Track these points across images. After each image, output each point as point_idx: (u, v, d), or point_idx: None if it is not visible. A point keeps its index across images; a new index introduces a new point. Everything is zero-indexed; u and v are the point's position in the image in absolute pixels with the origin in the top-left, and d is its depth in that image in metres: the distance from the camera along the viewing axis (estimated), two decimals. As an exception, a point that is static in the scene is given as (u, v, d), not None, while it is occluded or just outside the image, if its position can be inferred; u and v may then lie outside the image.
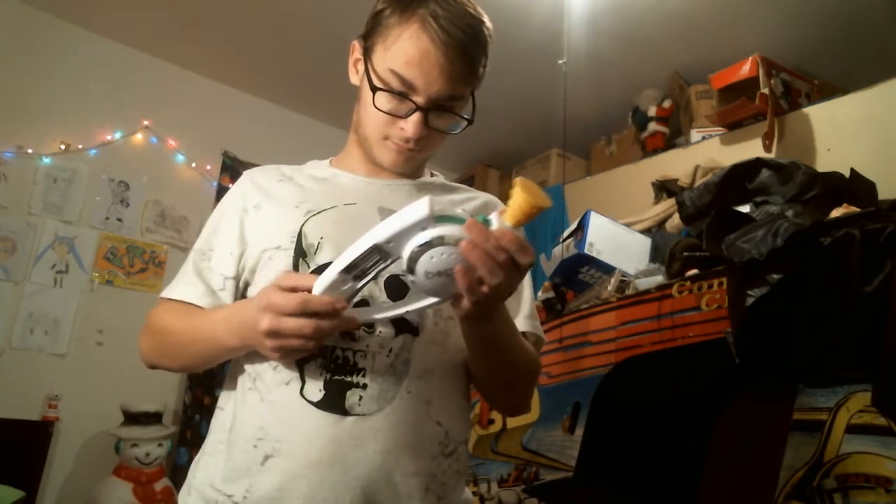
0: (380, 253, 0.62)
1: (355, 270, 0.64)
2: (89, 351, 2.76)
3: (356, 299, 0.74)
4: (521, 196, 0.60)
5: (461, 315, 0.67)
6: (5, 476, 2.10)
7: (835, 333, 1.18)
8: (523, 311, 0.88)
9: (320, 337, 0.67)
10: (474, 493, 1.97)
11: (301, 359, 0.74)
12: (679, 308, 1.52)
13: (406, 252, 0.61)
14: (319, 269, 0.76)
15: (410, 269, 0.62)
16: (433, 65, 0.75)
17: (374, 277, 0.67)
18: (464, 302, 0.63)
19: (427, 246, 0.60)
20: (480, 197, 0.95)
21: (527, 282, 0.90)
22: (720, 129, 2.50)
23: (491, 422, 2.03)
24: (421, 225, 0.60)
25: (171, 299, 0.84)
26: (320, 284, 0.66)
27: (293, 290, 0.67)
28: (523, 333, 0.86)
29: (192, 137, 3.17)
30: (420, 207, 0.59)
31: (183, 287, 0.83)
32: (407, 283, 0.77)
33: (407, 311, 0.70)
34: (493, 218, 0.62)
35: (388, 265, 0.65)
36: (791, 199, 1.42)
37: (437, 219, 0.60)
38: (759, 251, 1.21)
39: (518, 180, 0.61)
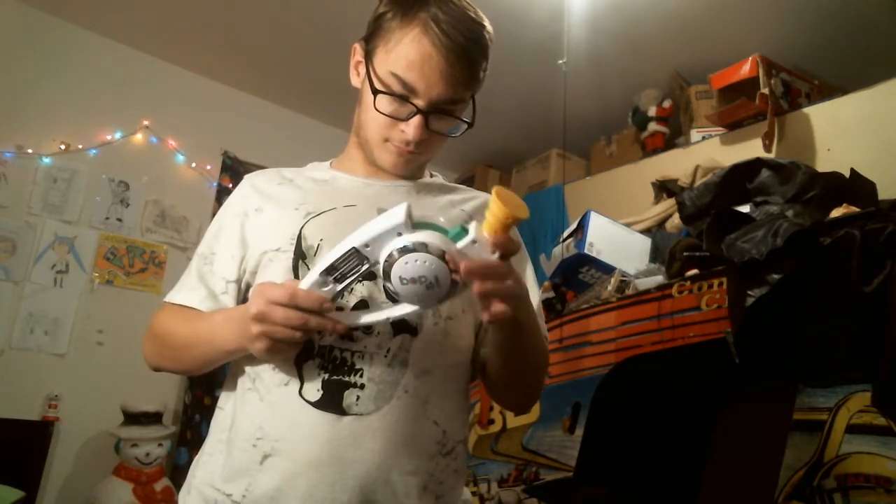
0: (358, 256, 0.63)
1: (335, 273, 0.65)
2: (89, 351, 2.75)
3: (353, 302, 0.75)
4: (498, 207, 0.60)
5: (509, 318, 0.67)
6: (5, 476, 2.09)
7: (835, 333, 1.18)
8: None
9: (305, 331, 0.68)
10: (474, 493, 1.97)
11: (299, 359, 0.74)
12: (679, 308, 1.52)
13: (382, 256, 0.61)
14: None
15: (385, 274, 0.62)
16: (434, 68, 0.76)
17: (353, 282, 0.67)
18: (496, 310, 0.64)
19: (402, 251, 0.60)
20: (479, 197, 0.95)
21: (532, 281, 0.91)
22: (720, 129, 2.50)
23: (491, 422, 2.03)
24: (397, 230, 0.60)
25: (174, 304, 0.84)
26: (303, 285, 0.67)
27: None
28: None
29: (192, 137, 3.17)
30: (397, 213, 0.60)
31: (185, 292, 0.84)
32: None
33: (388, 319, 0.70)
34: (471, 228, 0.62)
35: (366, 269, 0.65)
36: (791, 199, 1.42)
37: (415, 225, 0.61)
38: (759, 251, 1.21)
39: (495, 190, 0.61)
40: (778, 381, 1.27)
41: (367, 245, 0.62)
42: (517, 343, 0.78)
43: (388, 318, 0.70)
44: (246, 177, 0.92)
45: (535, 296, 0.91)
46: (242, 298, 0.85)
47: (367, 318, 0.71)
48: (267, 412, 0.74)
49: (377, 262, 0.63)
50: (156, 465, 2.56)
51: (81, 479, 2.60)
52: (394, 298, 0.65)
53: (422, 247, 0.60)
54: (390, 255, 0.61)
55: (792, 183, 1.44)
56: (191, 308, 0.82)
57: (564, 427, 1.73)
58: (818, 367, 1.22)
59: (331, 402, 0.73)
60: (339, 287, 0.67)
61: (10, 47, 2.70)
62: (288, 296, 0.66)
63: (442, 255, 0.60)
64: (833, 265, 1.17)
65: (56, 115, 2.80)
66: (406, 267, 0.60)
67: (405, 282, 0.61)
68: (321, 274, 0.65)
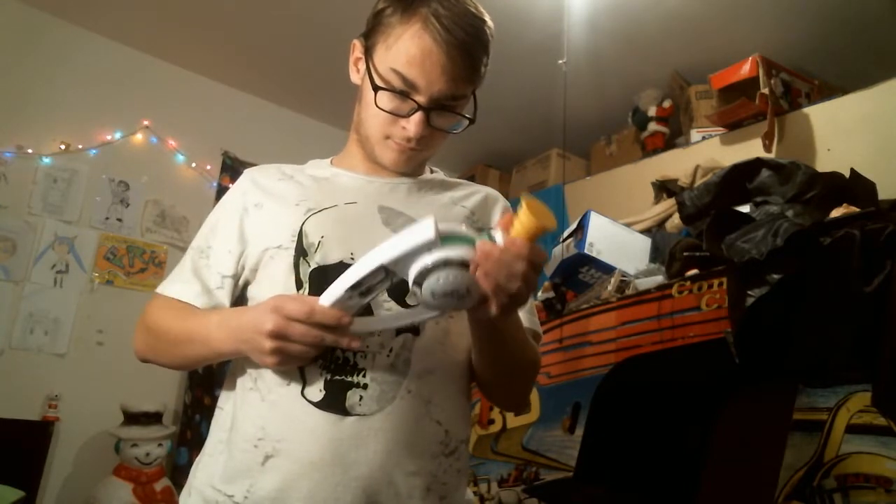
0: (386, 272, 0.63)
1: (361, 288, 0.65)
2: (89, 351, 2.75)
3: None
4: (526, 216, 0.60)
5: (485, 319, 0.67)
6: (5, 476, 2.09)
7: (835, 333, 1.18)
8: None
9: (320, 348, 0.68)
10: (474, 493, 1.96)
11: None
12: (679, 308, 1.52)
13: (412, 273, 0.61)
14: (319, 269, 0.76)
15: (417, 287, 0.62)
16: (435, 64, 0.75)
17: (377, 295, 0.68)
18: (491, 307, 0.64)
19: (434, 268, 0.60)
20: (481, 191, 0.94)
21: None
22: (720, 129, 2.50)
23: (491, 422, 2.03)
24: (427, 247, 0.60)
25: (166, 296, 0.84)
26: (327, 299, 0.66)
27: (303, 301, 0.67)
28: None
29: (192, 137, 3.17)
30: (426, 229, 0.60)
31: (179, 285, 0.84)
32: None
33: (410, 323, 0.71)
34: (497, 237, 0.62)
35: (393, 283, 0.66)
36: (791, 199, 1.42)
37: (443, 238, 0.61)
38: (759, 251, 1.21)
39: (524, 199, 0.61)
40: (778, 381, 1.27)
41: (395, 262, 0.62)
42: (498, 350, 0.77)
43: (410, 322, 0.71)
44: (245, 171, 0.91)
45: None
46: (239, 295, 0.85)
47: (384, 326, 0.72)
48: (269, 412, 0.74)
49: (405, 278, 0.63)
50: (156, 465, 2.56)
51: (81, 479, 2.60)
52: (399, 300, 0.65)
53: (453, 263, 0.60)
54: (421, 272, 0.61)
55: (792, 183, 1.44)
56: (185, 302, 0.82)
57: (564, 427, 1.73)
58: (818, 367, 1.21)
59: (333, 402, 0.72)
60: (364, 301, 0.67)
61: (10, 47, 2.70)
62: (306, 312, 0.65)
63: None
64: (833, 265, 1.17)
65: (56, 115, 2.80)
66: (439, 283, 0.61)
67: (437, 296, 0.62)
68: (347, 290, 0.65)
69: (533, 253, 0.61)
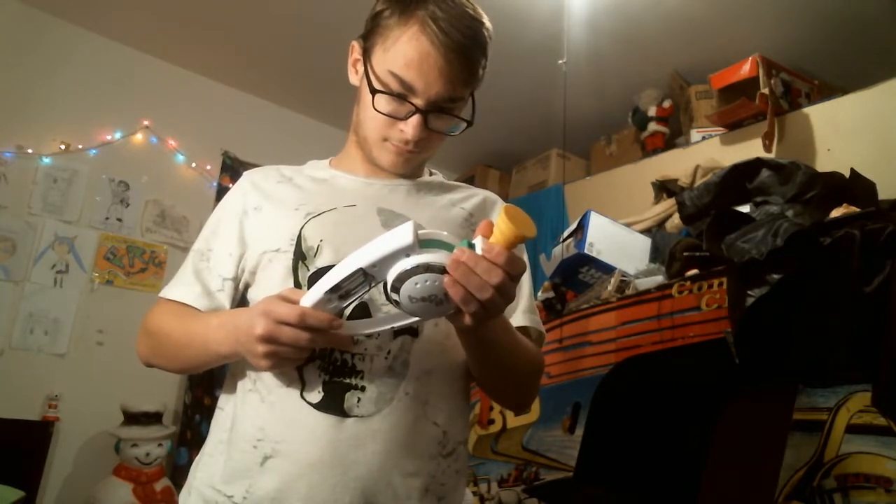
0: (365, 276, 0.63)
1: (340, 291, 0.65)
2: (89, 351, 2.76)
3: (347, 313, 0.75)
4: (505, 224, 0.60)
5: (459, 326, 0.67)
6: (5, 476, 2.09)
7: (835, 333, 1.18)
8: (521, 305, 0.88)
9: (311, 349, 0.68)
10: (474, 493, 1.97)
11: None
12: (679, 308, 1.52)
13: (390, 277, 0.61)
14: (319, 272, 0.76)
15: (395, 292, 0.62)
16: (432, 67, 0.75)
17: (358, 299, 0.67)
18: (464, 317, 0.63)
19: (411, 272, 0.60)
20: (479, 194, 0.94)
21: (525, 276, 0.89)
22: (720, 129, 2.50)
23: (491, 422, 2.03)
24: (405, 251, 0.60)
25: (168, 300, 0.84)
26: (307, 301, 0.66)
27: (293, 302, 0.67)
28: (524, 328, 0.86)
29: (192, 137, 3.17)
30: (404, 234, 0.60)
31: (180, 288, 0.84)
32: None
33: (392, 327, 0.71)
34: (478, 243, 0.62)
35: (372, 287, 0.65)
36: (791, 199, 1.42)
37: (422, 243, 0.61)
38: (759, 251, 1.21)
39: (505, 207, 0.61)
40: (778, 381, 1.27)
41: (373, 266, 0.62)
42: (485, 355, 0.77)
43: (392, 328, 0.71)
44: (245, 174, 0.92)
45: (528, 292, 0.90)
46: (240, 297, 0.85)
47: (371, 329, 0.71)
48: (268, 413, 0.74)
49: (383, 281, 0.63)
50: (156, 465, 2.56)
51: (81, 479, 2.60)
52: (396, 302, 0.65)
53: (431, 268, 0.60)
54: (399, 277, 0.60)
55: (792, 183, 1.44)
56: (186, 305, 0.82)
57: (564, 427, 1.73)
58: (818, 367, 1.21)
59: (332, 404, 0.73)
60: (344, 304, 0.67)
61: (10, 47, 2.70)
62: (297, 316, 0.65)
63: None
64: (833, 265, 1.17)
65: (56, 115, 2.80)
66: (416, 288, 0.61)
67: (415, 300, 0.62)
68: (326, 293, 0.65)
69: (509, 262, 0.60)
